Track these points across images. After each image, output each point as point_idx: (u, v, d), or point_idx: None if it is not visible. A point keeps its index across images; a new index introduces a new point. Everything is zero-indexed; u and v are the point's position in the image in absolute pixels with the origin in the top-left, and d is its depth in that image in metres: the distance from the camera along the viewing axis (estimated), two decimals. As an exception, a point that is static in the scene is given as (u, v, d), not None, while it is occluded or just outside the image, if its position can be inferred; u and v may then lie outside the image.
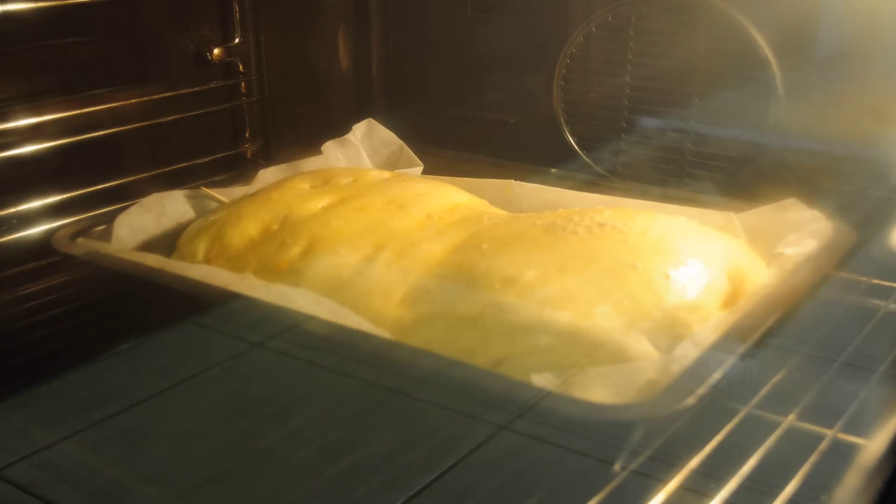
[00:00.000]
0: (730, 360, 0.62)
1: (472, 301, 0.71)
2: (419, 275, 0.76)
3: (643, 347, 0.65)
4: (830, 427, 0.66)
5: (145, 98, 1.05)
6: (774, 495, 0.59)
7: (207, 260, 0.85)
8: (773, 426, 0.66)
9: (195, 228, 0.90)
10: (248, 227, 0.86)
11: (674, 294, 0.69)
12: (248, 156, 1.19)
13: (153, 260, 0.84)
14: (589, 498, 0.57)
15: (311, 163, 1.06)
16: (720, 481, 0.59)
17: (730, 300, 0.72)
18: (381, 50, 1.30)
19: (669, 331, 0.67)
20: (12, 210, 0.93)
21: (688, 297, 0.69)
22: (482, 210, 0.89)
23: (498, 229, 0.81)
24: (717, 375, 0.60)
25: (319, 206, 0.88)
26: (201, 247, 0.86)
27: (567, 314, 0.67)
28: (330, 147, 1.09)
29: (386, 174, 0.98)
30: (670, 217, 0.80)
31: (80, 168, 0.99)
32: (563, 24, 1.13)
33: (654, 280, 0.69)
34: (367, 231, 0.83)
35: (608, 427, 0.59)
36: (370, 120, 1.13)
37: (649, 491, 0.57)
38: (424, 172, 1.10)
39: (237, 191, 1.00)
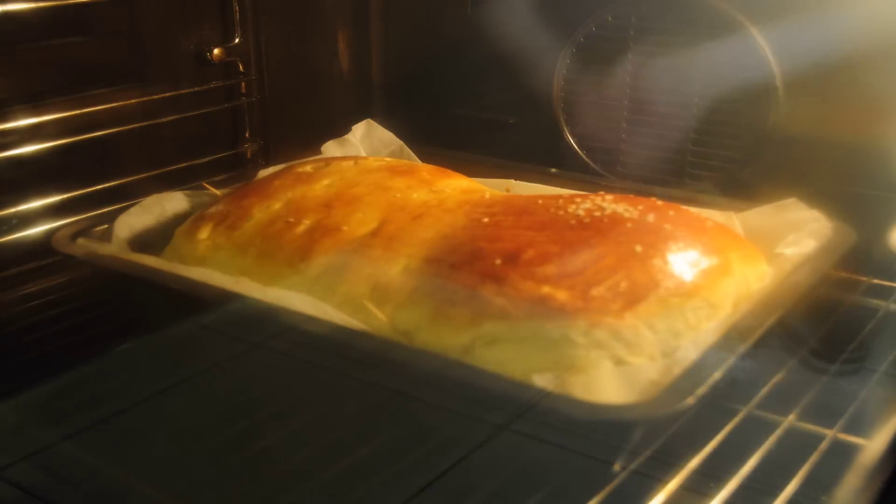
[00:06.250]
0: (730, 360, 0.62)
1: (470, 278, 0.71)
2: (421, 249, 0.76)
3: (639, 331, 0.65)
4: (830, 427, 0.66)
5: (145, 98, 1.05)
6: (774, 495, 0.59)
7: (211, 238, 0.85)
8: (773, 426, 0.66)
9: (196, 216, 0.90)
10: (251, 209, 0.86)
11: (671, 279, 0.69)
12: (248, 156, 1.19)
13: (153, 260, 0.84)
14: (589, 498, 0.57)
15: (310, 163, 1.06)
16: (720, 481, 0.59)
17: (727, 288, 0.72)
18: (381, 50, 1.30)
19: (665, 314, 0.66)
20: (12, 210, 0.93)
21: (685, 282, 0.69)
22: (484, 189, 0.90)
23: (500, 206, 0.81)
24: (717, 375, 0.60)
25: (322, 185, 0.88)
26: (204, 231, 0.86)
27: (564, 294, 0.67)
28: (330, 147, 1.09)
29: (388, 158, 0.99)
30: (672, 204, 0.80)
31: (80, 168, 0.99)
32: (563, 24, 1.13)
33: (653, 264, 0.69)
34: (370, 207, 0.83)
35: (608, 427, 0.59)
36: (369, 121, 1.13)
37: (649, 491, 0.57)
38: (424, 172, 1.09)
39: (237, 191, 1.00)
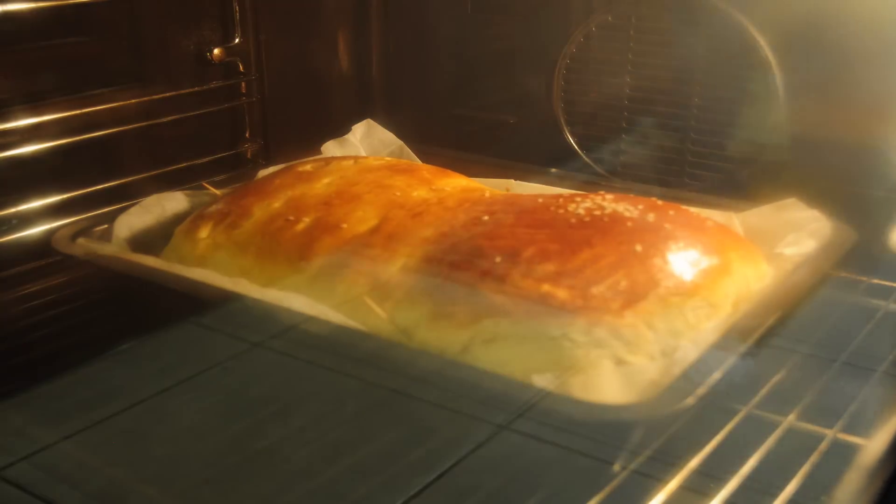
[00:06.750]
0: (730, 360, 0.62)
1: (470, 276, 0.71)
2: (421, 246, 0.76)
3: (639, 330, 0.65)
4: (830, 427, 0.66)
5: (145, 98, 1.05)
6: (774, 495, 0.59)
7: (211, 237, 0.85)
8: (773, 426, 0.66)
9: (196, 215, 0.90)
10: (251, 207, 0.86)
11: (671, 278, 0.69)
12: (248, 156, 1.19)
13: (153, 260, 0.84)
14: (589, 498, 0.56)
15: (310, 163, 1.06)
16: (720, 481, 0.59)
17: (727, 288, 0.72)
18: (381, 50, 1.30)
19: (665, 314, 0.67)
20: (12, 210, 0.93)
21: (685, 281, 0.69)
22: (485, 188, 0.90)
23: (500, 205, 0.81)
24: (717, 375, 0.60)
25: (323, 184, 0.89)
26: (204, 229, 0.86)
27: (564, 292, 0.67)
28: (330, 147, 1.09)
29: (388, 158, 0.99)
30: (672, 204, 0.80)
31: (80, 168, 0.99)
32: (563, 24, 1.13)
33: (653, 263, 0.69)
34: (370, 205, 0.83)
35: (608, 427, 0.59)
36: (369, 120, 1.13)
37: (649, 491, 0.57)
38: (424, 172, 1.09)
39: (237, 191, 1.00)
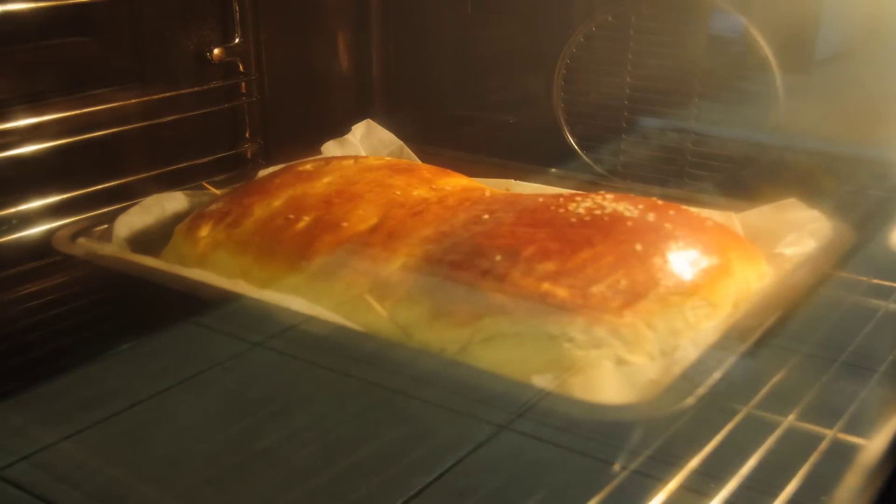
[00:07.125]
0: (730, 360, 0.62)
1: (470, 274, 0.71)
2: (421, 245, 0.76)
3: (638, 330, 0.65)
4: (830, 427, 0.66)
5: (145, 98, 1.05)
6: (774, 495, 0.59)
7: (212, 236, 0.85)
8: (773, 426, 0.66)
9: (196, 214, 0.90)
10: (252, 206, 0.87)
11: (671, 278, 0.69)
12: (248, 156, 1.19)
13: (153, 260, 0.84)
14: (589, 498, 0.56)
15: (310, 163, 1.06)
16: (720, 481, 0.59)
17: (727, 288, 0.72)
18: (381, 50, 1.30)
19: (665, 313, 0.67)
20: (12, 210, 0.93)
21: (685, 281, 0.69)
22: (485, 187, 0.90)
23: (500, 204, 0.81)
24: (717, 375, 0.60)
25: (323, 183, 0.89)
26: (205, 228, 0.86)
27: (564, 291, 0.67)
28: (329, 147, 1.09)
29: (388, 158, 0.99)
30: (672, 204, 0.80)
31: (80, 168, 0.99)
32: (564, 24, 1.13)
33: (653, 263, 0.69)
34: (370, 204, 0.83)
35: (608, 427, 0.59)
36: (369, 121, 1.14)
37: (649, 491, 0.57)
38: (424, 172, 1.09)
39: (237, 191, 1.00)
